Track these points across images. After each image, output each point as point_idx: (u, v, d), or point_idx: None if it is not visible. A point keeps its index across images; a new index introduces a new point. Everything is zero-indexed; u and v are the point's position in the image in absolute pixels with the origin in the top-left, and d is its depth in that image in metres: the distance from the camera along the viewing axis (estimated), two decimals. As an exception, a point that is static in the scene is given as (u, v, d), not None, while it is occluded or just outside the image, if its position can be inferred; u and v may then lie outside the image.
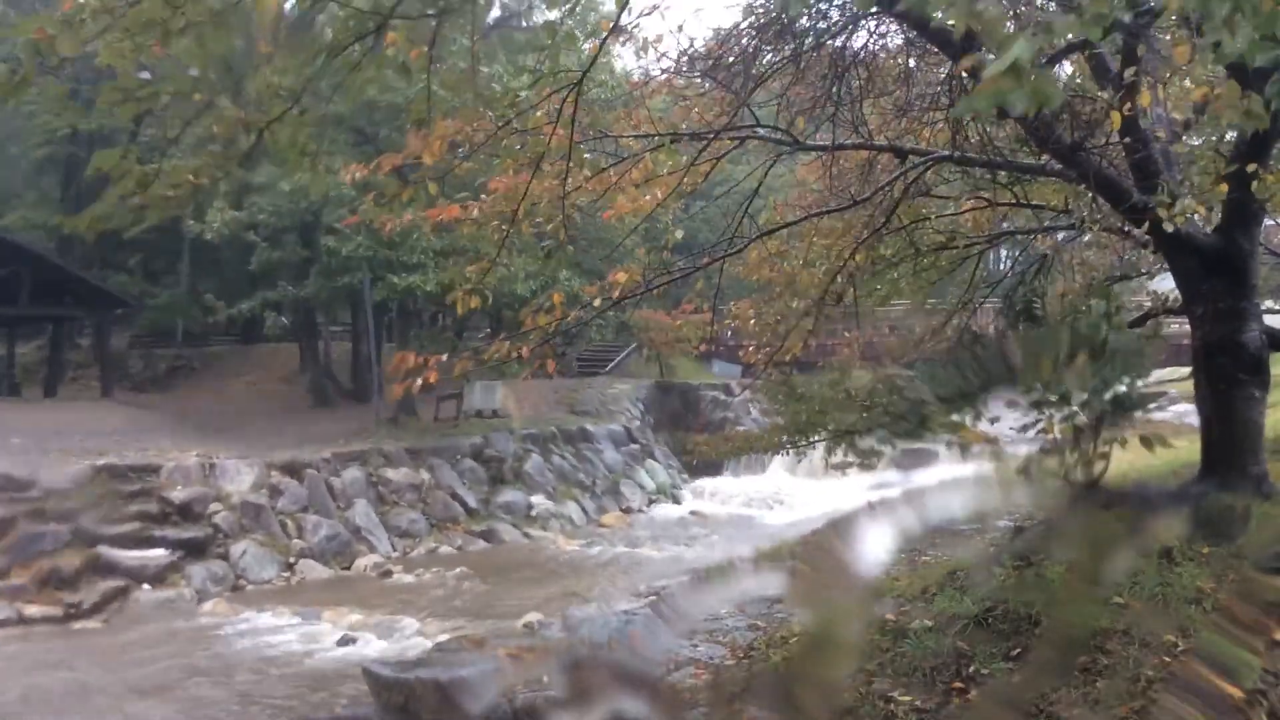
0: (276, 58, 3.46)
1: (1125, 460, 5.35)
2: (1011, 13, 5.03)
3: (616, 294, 5.49)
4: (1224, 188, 4.84)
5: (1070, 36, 2.26)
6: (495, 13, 20.03)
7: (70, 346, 29.46)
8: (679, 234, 7.12)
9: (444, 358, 5.26)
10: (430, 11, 3.53)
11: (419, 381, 5.06)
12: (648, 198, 6.17)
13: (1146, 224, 4.89)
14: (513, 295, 17.54)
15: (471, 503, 16.68)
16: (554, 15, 4.39)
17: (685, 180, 6.25)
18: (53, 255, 23.28)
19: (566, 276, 16.47)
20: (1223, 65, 2.50)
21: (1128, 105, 4.58)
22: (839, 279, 7.43)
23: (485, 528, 16.10)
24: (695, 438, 20.21)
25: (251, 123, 3.48)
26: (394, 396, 5.45)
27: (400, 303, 19.55)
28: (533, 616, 9.63)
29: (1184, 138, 5.91)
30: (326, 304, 22.93)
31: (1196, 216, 5.17)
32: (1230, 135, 5.47)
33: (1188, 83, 5.53)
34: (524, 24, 22.82)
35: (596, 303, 5.56)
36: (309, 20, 3.77)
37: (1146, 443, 4.83)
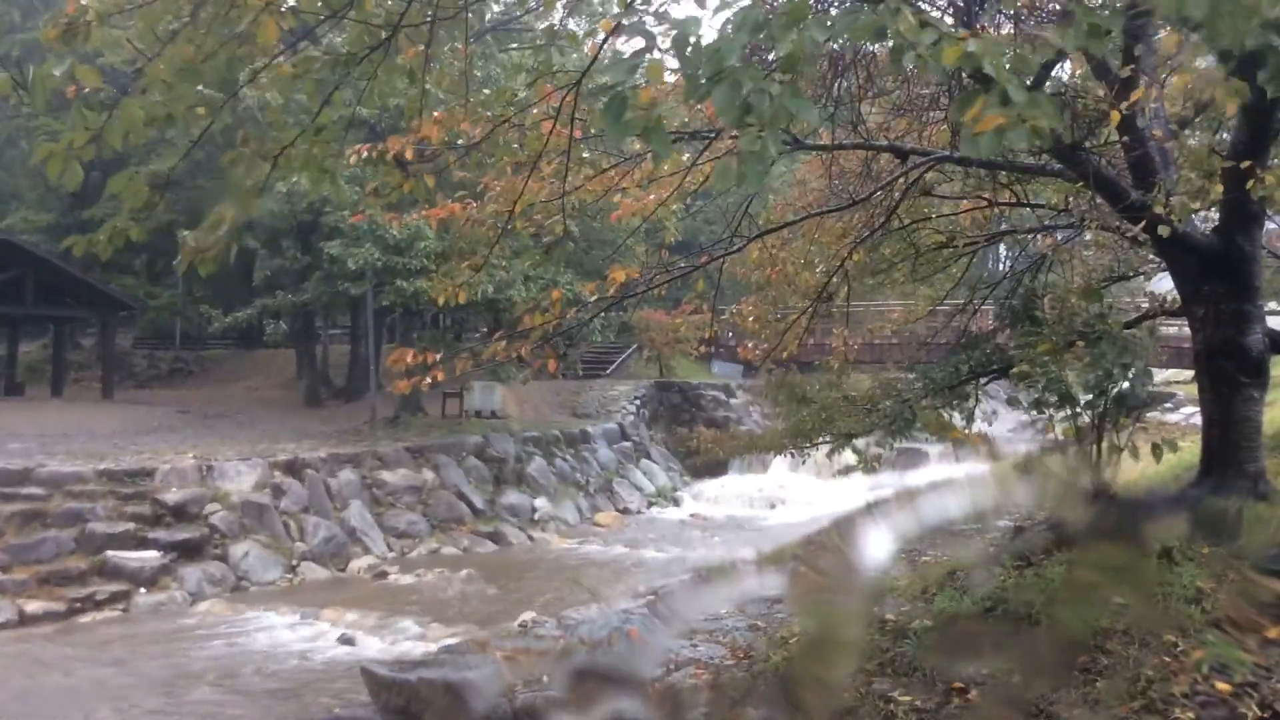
0: (280, 79, 3.48)
1: (1133, 465, 5.32)
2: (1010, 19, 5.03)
3: (612, 292, 5.49)
4: (1219, 187, 4.84)
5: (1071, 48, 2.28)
6: (496, 9, 19.95)
7: (72, 347, 29.56)
8: (677, 231, 7.13)
9: (439, 355, 5.27)
10: (428, 17, 3.55)
11: (427, 380, 5.09)
12: (650, 197, 6.17)
13: (1144, 223, 4.88)
14: (509, 301, 17.54)
15: (478, 503, 16.68)
16: (554, 18, 4.41)
17: (687, 179, 6.25)
18: (55, 257, 23.30)
19: (568, 281, 16.48)
20: (1214, 54, 2.51)
21: (1125, 103, 4.57)
22: (835, 278, 7.45)
23: (492, 529, 16.10)
24: (700, 431, 20.20)
25: (268, 151, 3.50)
26: (399, 390, 5.49)
27: (404, 305, 19.53)
28: (528, 616, 9.63)
29: (1182, 135, 5.91)
30: (326, 308, 22.91)
31: (1195, 217, 5.16)
32: (1226, 135, 5.47)
33: (1174, 79, 5.52)
34: (520, 25, 22.81)
35: (594, 300, 5.56)
36: (315, 35, 3.79)
37: (1156, 450, 4.82)
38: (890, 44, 1.95)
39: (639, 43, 2.27)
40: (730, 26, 2.00)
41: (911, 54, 1.95)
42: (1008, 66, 2.01)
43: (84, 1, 2.85)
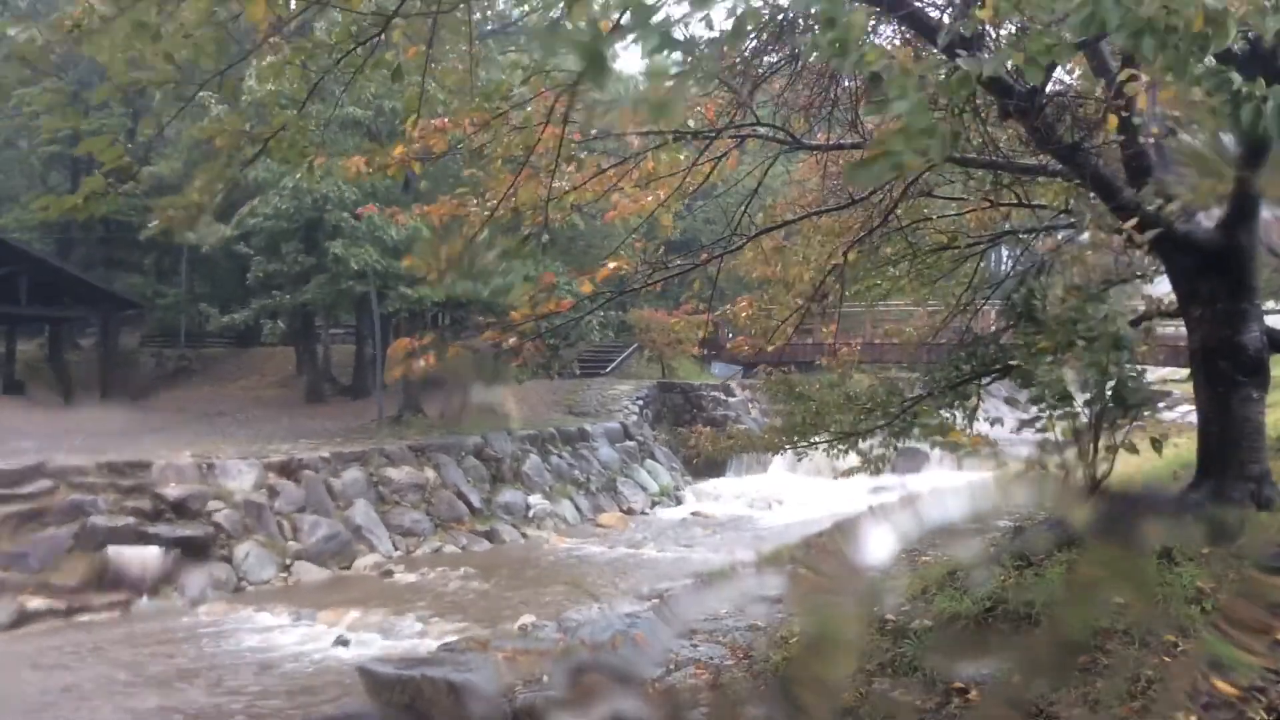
0: (274, 64, 3.49)
1: (1130, 461, 5.32)
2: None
3: (601, 276, 5.52)
4: (1224, 182, 4.84)
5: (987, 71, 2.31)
6: (495, 12, 19.94)
7: (71, 347, 29.54)
8: (673, 229, 7.14)
9: (429, 340, 5.37)
10: (429, 10, 3.56)
11: (419, 363, 5.16)
12: (649, 198, 6.18)
13: (1136, 222, 4.87)
14: (511, 306, 17.48)
15: (475, 502, 16.71)
16: (553, 14, 4.40)
17: (687, 180, 6.26)
18: (52, 256, 23.27)
19: (566, 281, 16.47)
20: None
21: (1120, 102, 4.57)
22: (830, 278, 7.45)
23: (488, 527, 16.14)
24: (697, 430, 20.22)
25: (257, 135, 3.51)
26: (392, 378, 5.59)
27: (408, 308, 19.53)
28: (529, 618, 9.61)
29: (1180, 133, 5.90)
30: (329, 307, 22.87)
31: (1198, 213, 5.15)
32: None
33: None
34: (520, 23, 22.82)
35: (586, 289, 5.58)
36: (307, 26, 3.81)
37: (1155, 444, 4.81)
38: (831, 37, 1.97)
39: (637, 47, 2.28)
40: None
41: (856, 55, 1.97)
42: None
43: (92, 1, 2.87)
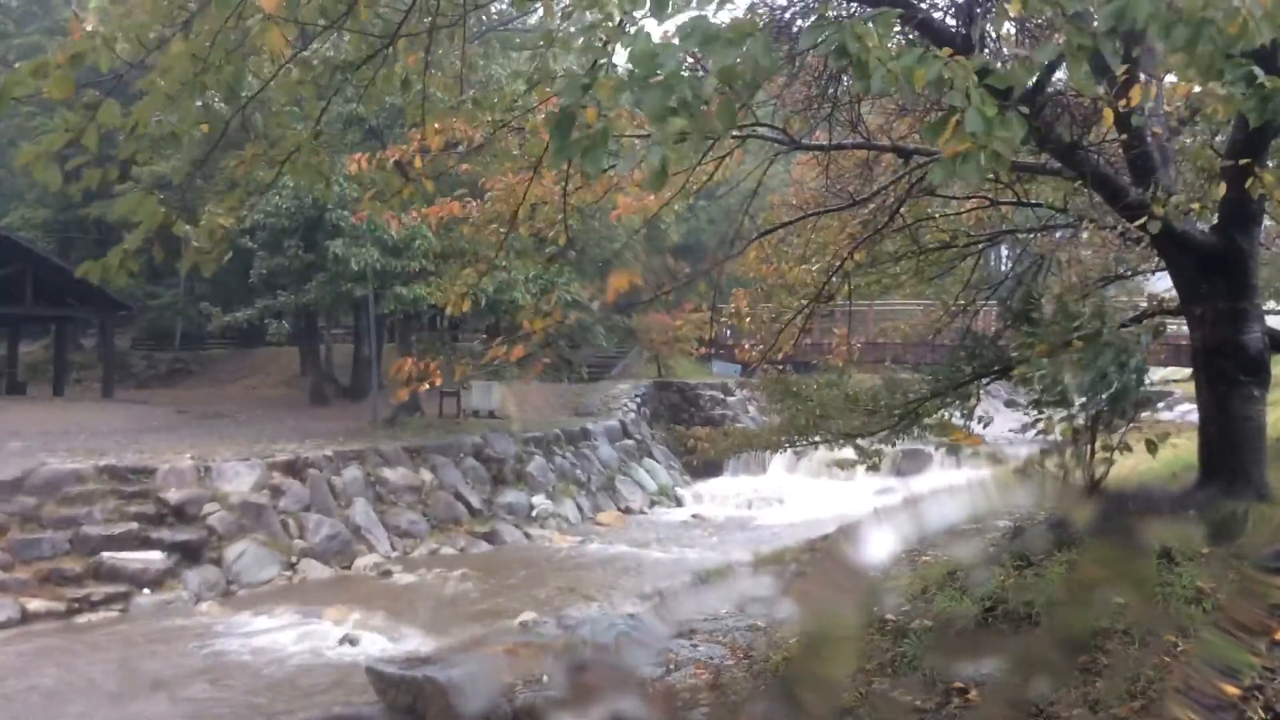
0: (283, 84, 3.51)
1: (1130, 461, 5.31)
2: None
3: (611, 296, 5.53)
4: (1221, 187, 4.84)
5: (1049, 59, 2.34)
6: (493, 13, 19.91)
7: (74, 347, 29.56)
8: (677, 232, 7.16)
9: (440, 360, 5.32)
10: (426, 25, 3.58)
11: (425, 385, 5.12)
12: (651, 198, 6.17)
13: (1144, 221, 4.88)
14: (511, 302, 17.42)
15: (475, 503, 16.67)
16: (552, 20, 4.42)
17: (689, 180, 6.25)
18: (54, 256, 23.29)
19: (565, 281, 16.38)
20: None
21: (1122, 102, 4.57)
22: (834, 278, 7.44)
23: (488, 529, 16.09)
24: (695, 431, 20.21)
25: (274, 157, 3.54)
26: (400, 398, 5.59)
27: (403, 310, 19.50)
28: (529, 616, 9.62)
29: (1180, 135, 5.90)
30: (329, 308, 22.83)
31: (1193, 215, 5.16)
32: (1222, 135, 5.46)
33: (1172, 77, 5.51)
34: (522, 25, 22.77)
35: (595, 305, 5.60)
36: (316, 42, 3.83)
37: (1151, 446, 4.82)
38: (855, 60, 1.99)
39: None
40: (677, 33, 2.04)
41: (881, 71, 1.98)
42: (977, 84, 2.04)
43: (89, 27, 2.87)
